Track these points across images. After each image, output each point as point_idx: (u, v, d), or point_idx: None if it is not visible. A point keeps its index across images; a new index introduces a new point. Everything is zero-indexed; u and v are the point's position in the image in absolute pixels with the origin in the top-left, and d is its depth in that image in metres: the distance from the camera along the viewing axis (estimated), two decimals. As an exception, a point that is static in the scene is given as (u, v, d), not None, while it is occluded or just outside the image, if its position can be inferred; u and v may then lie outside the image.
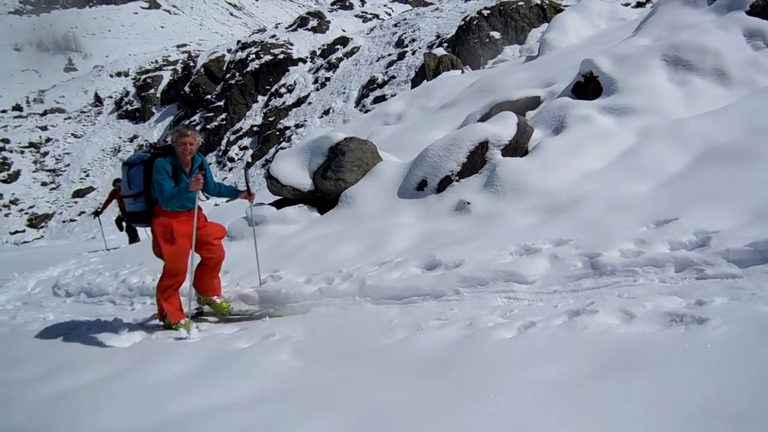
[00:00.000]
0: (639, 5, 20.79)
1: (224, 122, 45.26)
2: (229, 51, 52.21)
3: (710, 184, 4.83)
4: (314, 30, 51.09)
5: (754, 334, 2.61)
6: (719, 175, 4.93)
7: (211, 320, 5.41)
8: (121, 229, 13.74)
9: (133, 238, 13.63)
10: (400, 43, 40.86)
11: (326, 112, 38.49)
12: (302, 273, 5.76)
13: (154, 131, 52.12)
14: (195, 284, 5.36)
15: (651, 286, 3.60)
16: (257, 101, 45.73)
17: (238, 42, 52.54)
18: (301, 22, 52.57)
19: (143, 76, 61.83)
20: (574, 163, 6.07)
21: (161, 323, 5.23)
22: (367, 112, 24.04)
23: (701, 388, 2.29)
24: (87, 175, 50.01)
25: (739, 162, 5.03)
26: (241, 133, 43.24)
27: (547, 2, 27.54)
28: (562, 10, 21.16)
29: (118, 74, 71.12)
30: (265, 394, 3.20)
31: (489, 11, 27.05)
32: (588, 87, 7.80)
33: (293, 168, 8.16)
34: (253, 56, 47.43)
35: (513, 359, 3.05)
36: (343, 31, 50.91)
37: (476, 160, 6.62)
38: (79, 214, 44.28)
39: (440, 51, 22.60)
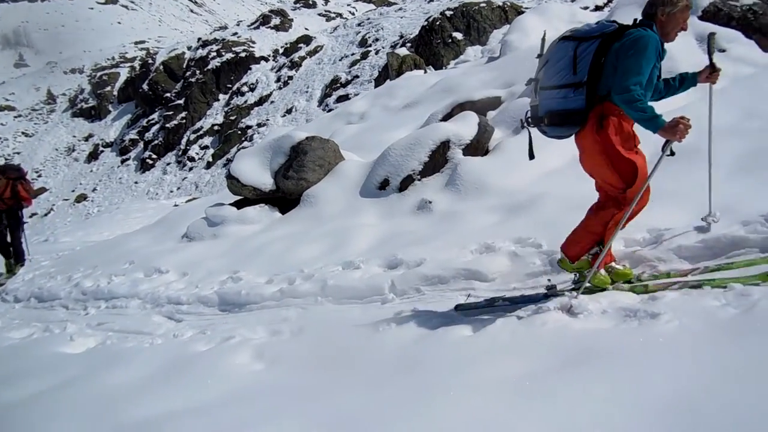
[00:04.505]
0: (597, 9, 21.27)
1: (184, 121, 44.33)
2: (189, 48, 51.16)
3: (664, 182, 4.95)
4: (277, 28, 50.52)
5: (704, 328, 2.68)
6: (673, 174, 5.06)
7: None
8: None
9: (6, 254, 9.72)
10: (363, 43, 40.80)
11: (289, 111, 38.13)
12: (263, 274, 5.68)
13: (110, 130, 50.64)
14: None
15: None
16: (218, 100, 44.97)
17: (199, 39, 51.53)
18: (264, 20, 51.91)
19: (99, 73, 59.97)
20: (534, 162, 6.13)
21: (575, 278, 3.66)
22: (330, 111, 23.91)
23: (654, 381, 2.34)
24: (39, 176, 48.21)
25: (692, 161, 5.18)
26: (201, 132, 42.43)
27: (508, 4, 27.92)
28: (523, 12, 21.51)
29: (73, 71, 68.83)
30: (226, 398, 3.14)
31: (452, 12, 27.25)
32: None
33: (254, 167, 8.05)
34: (214, 54, 46.61)
35: (475, 356, 3.07)
36: (306, 29, 50.49)
37: (438, 159, 6.65)
38: (31, 216, 42.72)
39: (403, 51, 22.66)
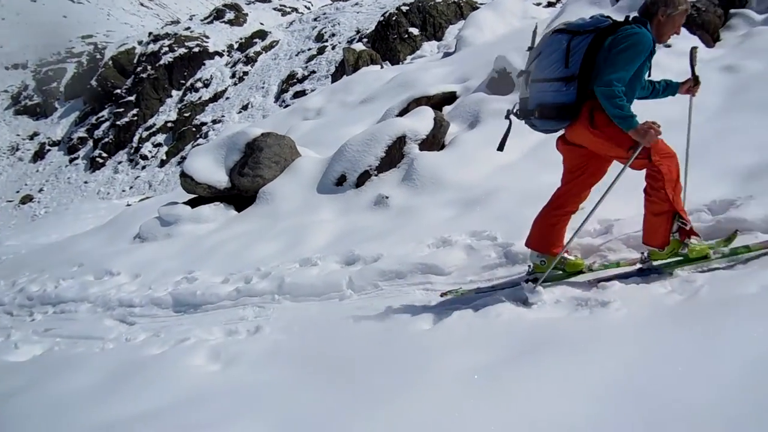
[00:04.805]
0: (550, 5, 21.71)
1: (136, 118, 43.09)
2: (140, 43, 49.67)
3: (612, 174, 5.09)
4: (231, 23, 49.64)
5: (651, 315, 2.77)
6: (620, 166, 5.21)
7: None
8: None
9: None
10: (320, 38, 40.53)
11: (245, 108, 37.58)
12: (219, 273, 5.58)
13: (57, 128, 48.73)
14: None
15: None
16: (171, 96, 43.89)
17: (150, 34, 50.13)
18: (217, 15, 50.92)
19: (44, 69, 57.58)
20: (488, 156, 6.22)
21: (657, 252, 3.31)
22: (287, 107, 23.69)
23: (605, 367, 2.39)
24: (-20, 177, 46.07)
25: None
26: (154, 129, 41.36)
27: (463, 0, 28.20)
28: (477, 8, 21.73)
29: (15, 66, 65.85)
30: (181, 401, 3.06)
31: (408, 7, 27.36)
32: (502, 82, 8.05)
33: (208, 165, 7.90)
34: (167, 49, 45.45)
35: (433, 351, 3.09)
36: (261, 24, 49.81)
37: (394, 154, 6.67)
38: (-27, 219, 40.81)
39: (359, 46, 22.64)
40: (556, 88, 3.12)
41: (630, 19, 3.07)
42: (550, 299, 3.22)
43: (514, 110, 3.41)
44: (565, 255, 3.59)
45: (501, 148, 3.54)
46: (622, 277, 3.34)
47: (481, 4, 25.95)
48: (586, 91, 3.08)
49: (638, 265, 3.39)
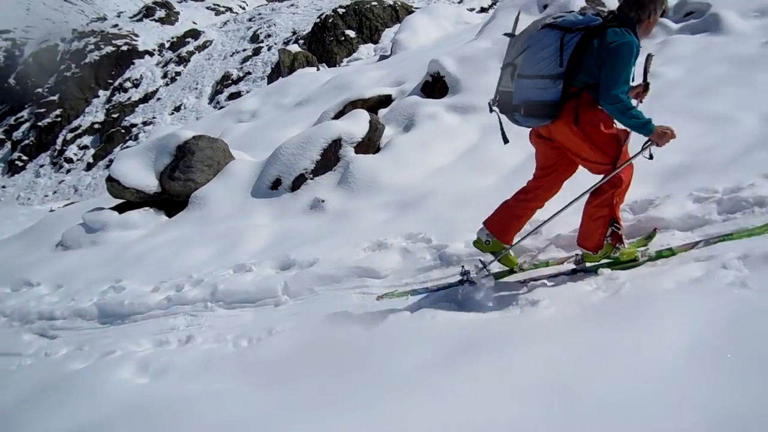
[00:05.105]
0: (482, 10, 22.28)
1: (59, 119, 40.93)
2: (63, 40, 47.25)
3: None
4: (162, 21, 48.04)
5: (578, 312, 2.88)
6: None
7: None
8: None
9: None
10: (255, 38, 39.87)
11: (177, 109, 36.45)
12: (148, 281, 5.37)
13: (-29, 129, 45.61)
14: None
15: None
16: (98, 96, 42.00)
17: (74, 31, 47.76)
18: (147, 12, 49.16)
19: (-45, 66, 53.79)
20: (423, 159, 6.32)
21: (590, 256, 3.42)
22: (221, 108, 23.13)
23: (534, 365, 2.46)
24: None
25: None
26: (80, 130, 39.42)
27: (399, 3, 28.47)
28: (413, 12, 22.02)
29: None
30: (108, 416, 2.94)
31: (344, 10, 27.34)
32: (435, 86, 8.17)
33: (137, 168, 7.60)
34: (92, 47, 43.48)
35: (369, 353, 3.09)
36: (194, 23, 48.47)
37: (330, 157, 6.64)
38: None
39: (295, 48, 22.42)
40: (544, 86, 3.05)
41: (610, 17, 3.03)
42: (482, 298, 3.29)
43: (495, 102, 3.33)
44: (508, 251, 3.61)
45: (505, 140, 3.43)
46: (552, 277, 3.46)
47: (417, 8, 26.30)
48: (570, 89, 3.05)
49: (572, 266, 3.48)
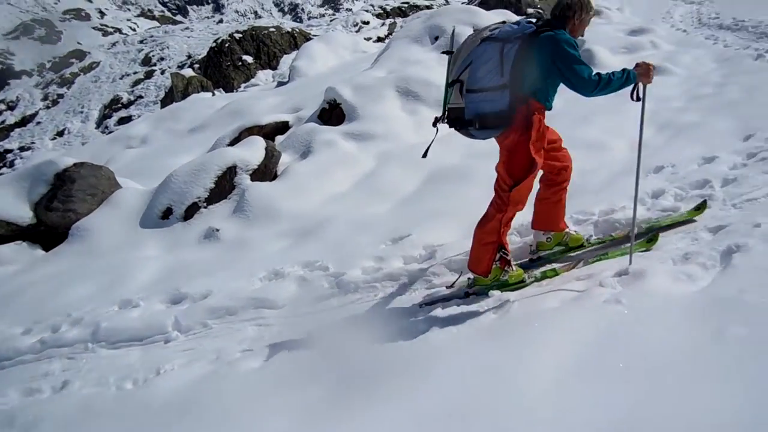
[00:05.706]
0: (379, 40, 22.85)
1: None
2: None
3: (437, 201, 5.43)
4: (42, 40, 44.98)
5: (471, 333, 2.97)
6: (444, 194, 5.58)
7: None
8: None
9: None
10: (147, 61, 38.31)
11: (60, 134, 34.00)
12: (19, 323, 4.87)
13: None
14: (536, 218, 3.82)
15: (389, 300, 3.87)
16: (-34, 119, 38.28)
17: (-63, 47, 43.48)
18: (25, 30, 45.86)
19: None
20: (320, 186, 6.30)
21: (475, 279, 3.61)
22: (110, 133, 21.86)
23: (429, 390, 2.50)
24: None
25: (459, 182, 5.75)
26: (-56, 157, 35.58)
27: (297, 30, 28.56)
28: (311, 39, 22.16)
29: None
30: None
31: (241, 35, 26.97)
32: (332, 113, 8.23)
33: (8, 199, 6.96)
34: (-41, 66, 39.72)
35: (263, 389, 2.99)
36: (79, 43, 45.77)
37: (224, 185, 6.45)
38: None
39: (189, 72, 21.78)
40: (493, 97, 3.15)
41: (540, 22, 3.19)
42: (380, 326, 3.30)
43: (444, 119, 3.37)
44: (569, 230, 3.78)
45: (425, 155, 3.46)
46: (445, 300, 3.54)
47: (314, 35, 26.53)
48: (517, 97, 3.14)
49: (465, 290, 3.61)
